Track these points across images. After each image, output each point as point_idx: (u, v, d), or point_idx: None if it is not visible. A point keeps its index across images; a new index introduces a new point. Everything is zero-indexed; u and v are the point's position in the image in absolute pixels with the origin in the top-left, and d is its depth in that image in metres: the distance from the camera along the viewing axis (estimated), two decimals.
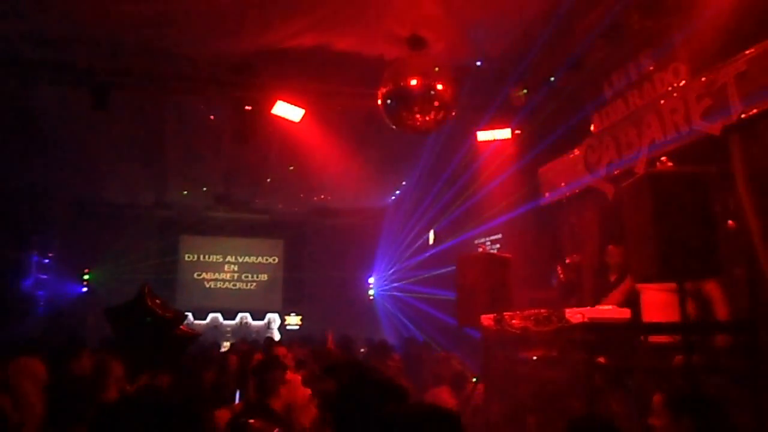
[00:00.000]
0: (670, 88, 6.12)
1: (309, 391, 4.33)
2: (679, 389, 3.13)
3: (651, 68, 6.45)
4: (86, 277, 15.35)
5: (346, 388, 2.42)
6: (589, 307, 4.86)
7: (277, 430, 2.95)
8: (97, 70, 8.08)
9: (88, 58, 7.90)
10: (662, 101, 6.22)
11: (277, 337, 15.69)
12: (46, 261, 14.04)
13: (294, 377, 4.96)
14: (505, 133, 9.15)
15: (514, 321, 5.48)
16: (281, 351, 5.43)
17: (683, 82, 5.95)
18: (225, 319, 16.76)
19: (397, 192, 14.08)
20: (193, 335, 4.92)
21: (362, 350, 8.67)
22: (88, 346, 6.99)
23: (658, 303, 5.05)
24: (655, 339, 4.82)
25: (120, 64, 8.09)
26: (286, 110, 8.40)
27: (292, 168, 11.91)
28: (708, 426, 2.82)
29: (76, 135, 10.27)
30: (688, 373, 4.14)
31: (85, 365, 5.15)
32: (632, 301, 5.35)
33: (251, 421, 2.98)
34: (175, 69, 8.12)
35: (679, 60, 6.07)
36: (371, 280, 16.61)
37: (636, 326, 4.88)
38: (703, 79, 5.67)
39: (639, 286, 5.35)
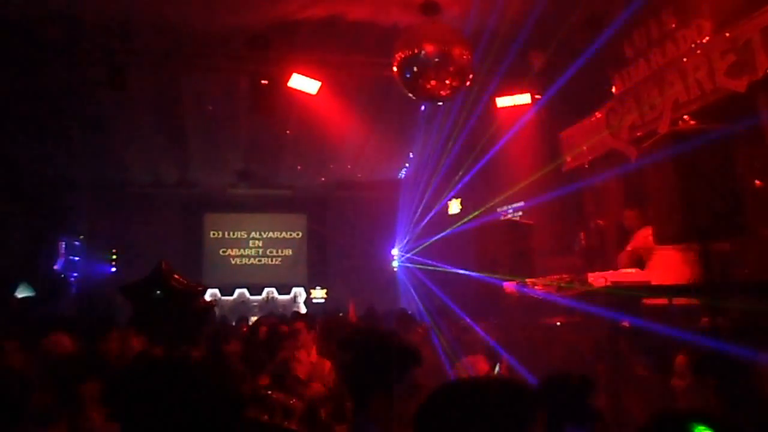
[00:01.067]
0: (693, 46, 5.96)
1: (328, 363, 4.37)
2: (703, 351, 3.07)
3: (673, 26, 6.27)
4: (115, 257, 15.57)
5: (362, 357, 2.40)
6: (611, 271, 4.81)
7: (294, 400, 2.96)
8: (113, 50, 8.08)
9: (104, 39, 7.90)
10: (685, 59, 6.06)
11: (303, 310, 15.85)
12: (76, 243, 14.28)
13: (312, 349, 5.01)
14: (524, 98, 9.01)
15: (536, 287, 5.46)
16: (299, 325, 5.47)
17: (707, 38, 5.79)
18: (252, 294, 16.94)
19: (417, 162, 13.98)
20: (209, 305, 4.98)
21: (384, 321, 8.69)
22: (117, 324, 7.12)
23: (669, 264, 4.97)
24: (679, 301, 4.76)
25: (135, 44, 8.08)
26: (303, 83, 8.36)
27: (288, 132, 11.71)
28: (730, 387, 2.78)
29: (98, 118, 10.33)
30: (712, 335, 4.08)
31: (112, 344, 5.27)
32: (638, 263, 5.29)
33: (270, 393, 3.00)
34: (189, 46, 8.10)
35: (702, 16, 5.89)
36: (394, 251, 16.62)
37: (659, 289, 4.81)
38: (727, 34, 5.50)
39: (648, 248, 5.28)
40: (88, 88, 9.20)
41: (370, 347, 2.37)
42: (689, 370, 2.94)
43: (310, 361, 4.76)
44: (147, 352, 4.10)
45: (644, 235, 5.48)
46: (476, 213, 11.61)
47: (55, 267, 12.93)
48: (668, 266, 4.91)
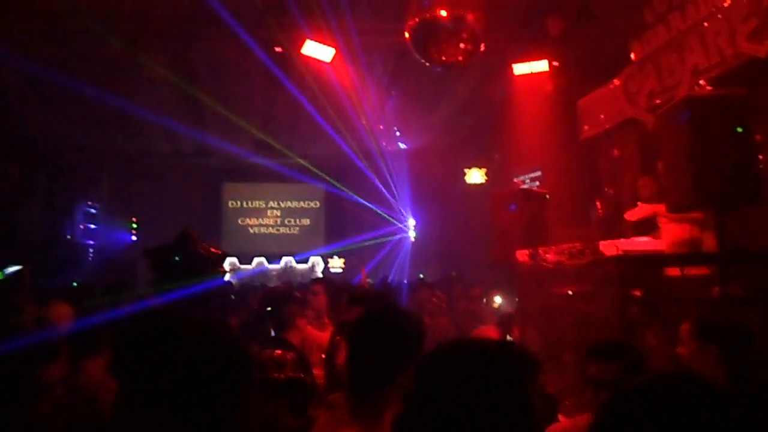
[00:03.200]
0: (713, 9, 5.79)
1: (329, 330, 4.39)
2: (707, 318, 3.03)
3: None
4: (135, 225, 15.76)
5: (366, 316, 2.37)
6: (623, 239, 4.75)
7: (292, 354, 2.97)
8: (126, 18, 8.07)
9: (117, 7, 7.90)
10: (705, 23, 5.91)
11: None
12: (96, 211, 14.46)
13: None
14: (542, 65, 8.85)
15: (548, 255, 5.41)
16: (317, 288, 5.51)
17: (728, 2, 5.62)
18: (270, 263, 17.08)
19: (434, 131, 13.88)
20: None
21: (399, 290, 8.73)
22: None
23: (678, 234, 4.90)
24: (692, 270, 4.71)
25: (148, 11, 8.06)
26: (317, 50, 8.28)
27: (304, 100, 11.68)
28: (734, 354, 2.75)
29: (115, 86, 10.39)
30: (724, 304, 4.03)
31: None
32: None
33: (267, 351, 3.02)
34: (202, 14, 8.05)
35: None
36: (412, 221, 16.63)
37: (672, 257, 4.75)
38: None
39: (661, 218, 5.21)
40: (105, 57, 9.25)
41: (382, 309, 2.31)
42: (693, 337, 2.91)
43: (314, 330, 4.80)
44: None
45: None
46: (490, 181, 11.54)
47: (70, 235, 13.10)
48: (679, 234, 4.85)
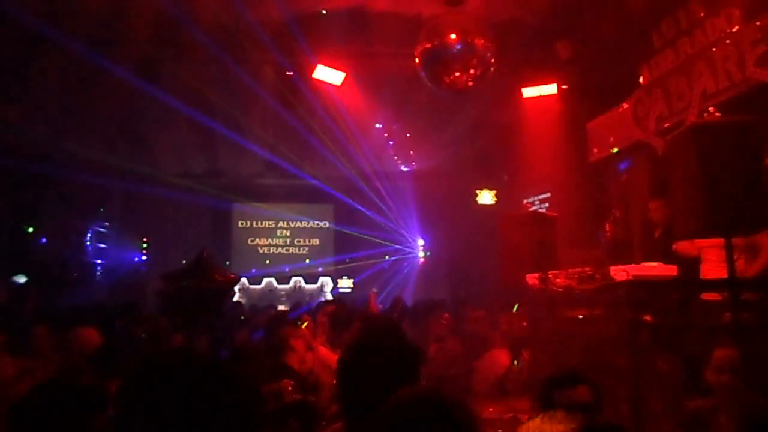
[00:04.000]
0: (722, 35, 5.84)
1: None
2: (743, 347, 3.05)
3: (702, 14, 6.16)
4: (145, 245, 15.84)
5: (351, 351, 2.34)
6: (633, 265, 4.75)
7: (289, 382, 2.99)
8: (142, 43, 8.21)
9: (133, 32, 8.03)
10: (714, 49, 5.95)
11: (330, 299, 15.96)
12: (106, 231, 14.55)
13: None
14: (551, 89, 8.92)
15: (558, 280, 5.41)
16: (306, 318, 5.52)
17: (736, 27, 5.67)
18: (279, 283, 17.10)
19: (444, 153, 13.95)
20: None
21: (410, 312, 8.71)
22: (147, 312, 7.26)
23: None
24: (705, 296, 4.70)
25: (164, 36, 8.20)
26: (327, 74, 8.40)
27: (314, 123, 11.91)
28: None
29: (128, 109, 10.54)
30: (736, 331, 4.02)
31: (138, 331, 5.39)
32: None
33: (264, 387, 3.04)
34: (216, 38, 8.18)
35: (731, 5, 5.78)
36: (421, 242, 16.64)
37: (681, 283, 4.76)
38: (758, 23, 5.39)
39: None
40: (118, 80, 9.38)
41: (367, 344, 2.30)
42: (730, 365, 2.90)
43: (316, 352, 4.81)
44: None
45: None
46: (499, 203, 11.57)
47: (80, 255, 13.19)
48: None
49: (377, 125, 11.81)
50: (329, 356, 4.94)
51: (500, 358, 6.50)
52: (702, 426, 3.28)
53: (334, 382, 4.21)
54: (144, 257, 15.76)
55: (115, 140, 12.06)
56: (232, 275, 5.27)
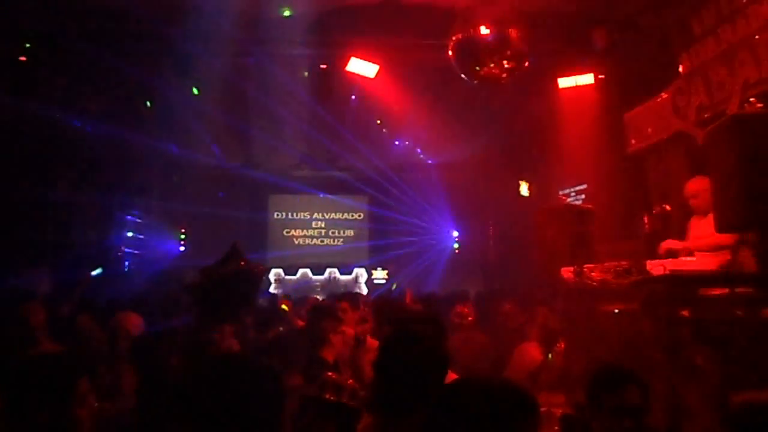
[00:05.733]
0: (765, 22, 5.67)
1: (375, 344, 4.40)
2: None
3: (745, 1, 5.98)
4: (183, 236, 16.11)
5: (387, 345, 2.38)
6: (671, 259, 4.67)
7: (351, 381, 3.02)
8: (177, 37, 8.32)
9: (168, 27, 8.15)
10: (757, 36, 5.78)
11: (364, 291, 16.04)
12: (146, 222, 14.83)
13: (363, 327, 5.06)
14: (587, 79, 8.78)
15: (593, 273, 5.35)
16: (344, 305, 5.54)
17: None
18: (314, 274, 17.25)
19: (481, 144, 13.86)
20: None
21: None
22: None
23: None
24: (742, 290, 4.60)
25: (199, 31, 8.29)
26: (361, 66, 8.41)
27: (379, 122, 12.06)
28: None
29: (164, 102, 10.72)
30: None
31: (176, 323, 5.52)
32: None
33: (329, 374, 3.07)
34: (250, 32, 8.25)
35: None
36: (455, 233, 16.59)
37: (720, 278, 4.66)
38: None
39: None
40: (156, 76, 9.55)
41: (402, 339, 2.33)
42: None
43: (349, 344, 4.83)
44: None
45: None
46: (536, 195, 11.45)
47: (119, 246, 13.45)
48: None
49: (377, 121, 11.88)
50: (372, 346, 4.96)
51: (531, 351, 6.44)
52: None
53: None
54: (182, 248, 16.03)
55: (155, 136, 12.26)
56: (262, 266, 5.31)
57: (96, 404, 2.40)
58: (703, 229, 5.20)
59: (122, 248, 13.41)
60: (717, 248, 4.89)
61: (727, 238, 4.78)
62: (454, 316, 6.69)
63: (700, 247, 4.87)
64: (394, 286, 15.20)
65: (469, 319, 6.63)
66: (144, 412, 3.04)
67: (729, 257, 4.73)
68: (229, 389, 1.40)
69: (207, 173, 15.69)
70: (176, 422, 1.40)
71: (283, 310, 8.81)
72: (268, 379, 1.49)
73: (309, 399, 3.01)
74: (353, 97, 10.14)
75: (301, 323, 6.73)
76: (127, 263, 13.68)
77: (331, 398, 2.82)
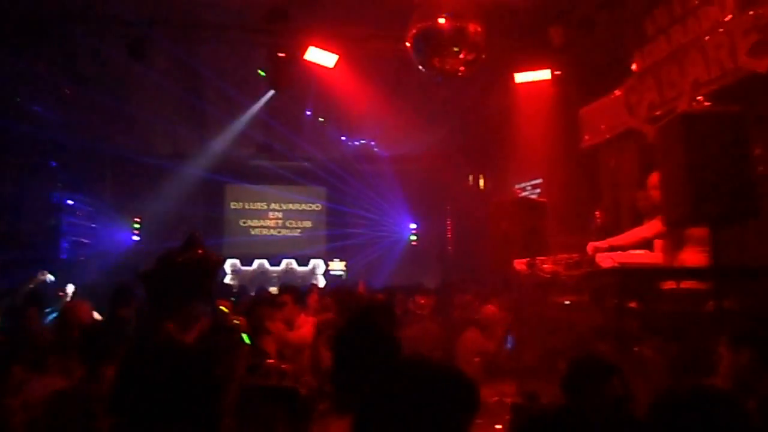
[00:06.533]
0: (715, 23, 5.82)
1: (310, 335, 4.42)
2: (738, 328, 3.28)
3: (696, 2, 6.13)
4: (137, 226, 15.79)
5: (343, 331, 2.43)
6: (620, 252, 4.78)
7: (289, 366, 3.02)
8: (132, 21, 8.13)
9: (122, 10, 7.96)
10: (707, 37, 5.93)
11: (322, 282, 16.00)
12: (98, 210, 14.49)
13: (306, 320, 5.07)
14: (544, 74, 8.90)
15: (545, 266, 5.43)
16: (285, 298, 5.54)
17: (729, 16, 5.64)
18: (271, 265, 17.12)
19: (437, 137, 13.94)
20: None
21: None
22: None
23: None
24: (687, 284, 4.74)
25: (153, 15, 8.12)
26: (319, 56, 8.34)
27: (322, 119, 12.06)
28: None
29: (118, 88, 10.48)
30: (719, 318, 4.06)
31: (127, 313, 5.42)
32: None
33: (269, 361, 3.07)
34: (207, 18, 8.11)
35: None
36: (413, 225, 16.67)
37: (667, 271, 4.79)
38: (751, 12, 5.36)
39: None
40: (107, 59, 9.31)
41: (358, 324, 2.37)
42: (727, 346, 3.13)
43: (292, 336, 4.83)
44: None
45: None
46: (492, 188, 11.59)
47: (70, 236, 13.13)
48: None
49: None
50: (293, 337, 4.95)
51: (473, 338, 6.56)
52: None
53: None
54: (136, 238, 15.71)
55: (106, 123, 11.99)
56: (220, 256, 5.25)
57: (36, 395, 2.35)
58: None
59: (66, 236, 13.03)
60: (638, 244, 5.04)
61: (648, 234, 4.96)
62: (412, 306, 6.76)
63: (622, 245, 5.01)
64: (343, 276, 15.25)
65: (426, 310, 6.71)
66: (89, 402, 2.98)
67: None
68: (162, 377, 1.38)
69: (162, 162, 15.39)
70: (114, 411, 1.37)
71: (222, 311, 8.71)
72: (201, 368, 1.47)
73: (252, 388, 2.99)
74: (311, 87, 10.06)
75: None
76: (77, 253, 13.33)
77: (275, 383, 2.81)
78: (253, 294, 9.20)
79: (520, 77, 8.99)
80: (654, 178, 5.52)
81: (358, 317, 2.51)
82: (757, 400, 2.20)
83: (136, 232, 15.74)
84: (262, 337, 4.40)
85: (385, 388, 1.47)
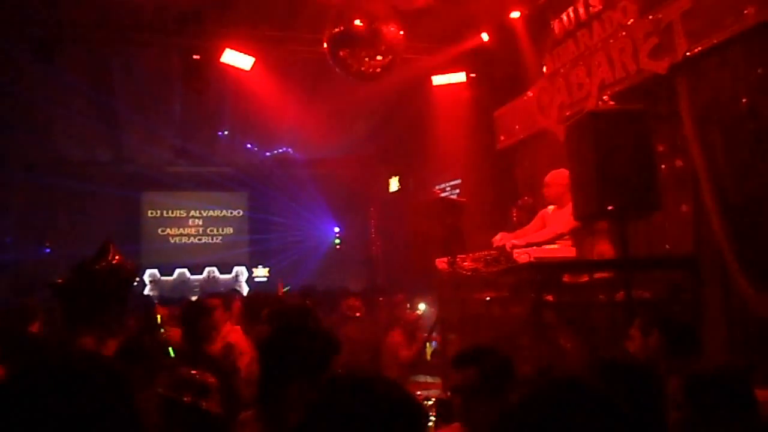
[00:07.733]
0: (618, 27, 6.11)
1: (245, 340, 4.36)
2: (649, 315, 3.52)
3: (600, 7, 6.42)
4: (48, 239, 15.05)
5: (274, 334, 2.41)
6: (535, 247, 4.94)
7: (214, 379, 2.88)
8: (38, 22, 7.77)
9: (28, 11, 7.59)
10: (611, 41, 6.21)
11: (245, 289, 15.73)
12: (6, 222, 13.77)
13: (233, 328, 5.00)
14: (460, 77, 9.08)
15: (465, 263, 5.55)
16: (215, 302, 5.45)
17: (631, 20, 5.93)
18: (192, 274, 16.69)
19: (356, 140, 13.98)
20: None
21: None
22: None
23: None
24: (600, 275, 4.94)
25: (62, 16, 7.79)
26: (236, 58, 8.21)
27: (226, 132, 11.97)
28: (674, 339, 3.21)
29: (23, 93, 9.98)
30: (628, 307, 4.26)
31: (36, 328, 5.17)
32: None
33: (192, 371, 2.94)
34: (119, 19, 7.85)
35: None
36: (336, 229, 16.65)
37: (580, 264, 4.98)
38: (651, 17, 5.65)
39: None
40: (12, 62, 8.86)
41: (289, 327, 2.35)
42: (638, 331, 3.36)
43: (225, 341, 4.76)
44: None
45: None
46: (413, 190, 11.72)
47: None
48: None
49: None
50: (242, 341, 4.88)
51: (395, 339, 6.68)
52: None
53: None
54: (47, 251, 14.99)
55: (11, 129, 11.40)
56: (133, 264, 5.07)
57: None
58: (554, 219, 5.54)
59: None
60: (554, 240, 5.24)
61: (564, 230, 5.17)
62: (345, 308, 6.79)
63: (539, 242, 5.18)
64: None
65: (359, 312, 6.77)
66: None
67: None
68: (62, 394, 1.30)
69: (73, 170, 14.76)
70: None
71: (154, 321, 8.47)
72: (111, 383, 1.38)
73: (167, 400, 2.83)
74: (227, 90, 9.89)
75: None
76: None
77: (188, 400, 2.67)
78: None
79: (437, 80, 9.15)
80: (546, 177, 5.78)
81: (286, 323, 2.47)
82: (681, 378, 2.36)
83: (48, 245, 15.02)
84: (206, 345, 4.30)
85: (325, 410, 1.42)
